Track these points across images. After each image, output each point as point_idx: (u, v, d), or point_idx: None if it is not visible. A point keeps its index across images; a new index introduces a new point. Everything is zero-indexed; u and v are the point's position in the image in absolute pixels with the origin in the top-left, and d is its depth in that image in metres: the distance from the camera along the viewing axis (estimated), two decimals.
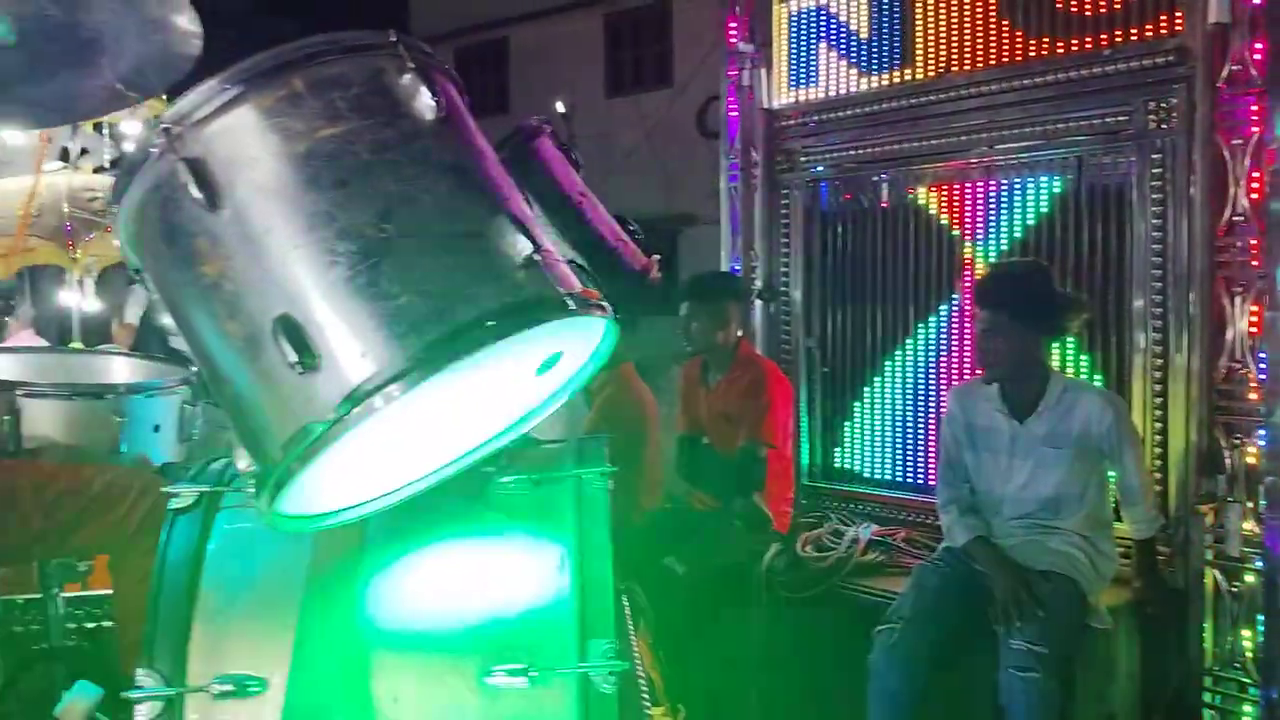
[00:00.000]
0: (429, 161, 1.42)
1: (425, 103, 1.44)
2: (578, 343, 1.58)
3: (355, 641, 1.62)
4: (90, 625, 2.77)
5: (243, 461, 1.47)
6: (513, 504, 1.77)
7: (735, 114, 4.66)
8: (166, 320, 1.52)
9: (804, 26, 4.49)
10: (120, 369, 3.56)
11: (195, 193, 1.33)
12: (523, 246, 1.40)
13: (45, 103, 1.49)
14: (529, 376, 1.60)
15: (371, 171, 1.38)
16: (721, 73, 4.67)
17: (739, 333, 4.03)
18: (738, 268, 4.68)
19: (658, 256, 2.21)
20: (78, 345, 5.20)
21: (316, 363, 1.31)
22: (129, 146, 6.15)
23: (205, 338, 1.41)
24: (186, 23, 1.39)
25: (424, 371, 1.31)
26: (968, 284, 4.04)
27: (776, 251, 4.62)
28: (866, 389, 4.41)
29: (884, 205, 4.39)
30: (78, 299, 5.27)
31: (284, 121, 1.36)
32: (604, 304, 1.49)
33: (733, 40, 4.63)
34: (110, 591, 2.29)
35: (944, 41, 4.14)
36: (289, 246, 1.33)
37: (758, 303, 4.59)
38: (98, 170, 5.54)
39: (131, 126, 5.40)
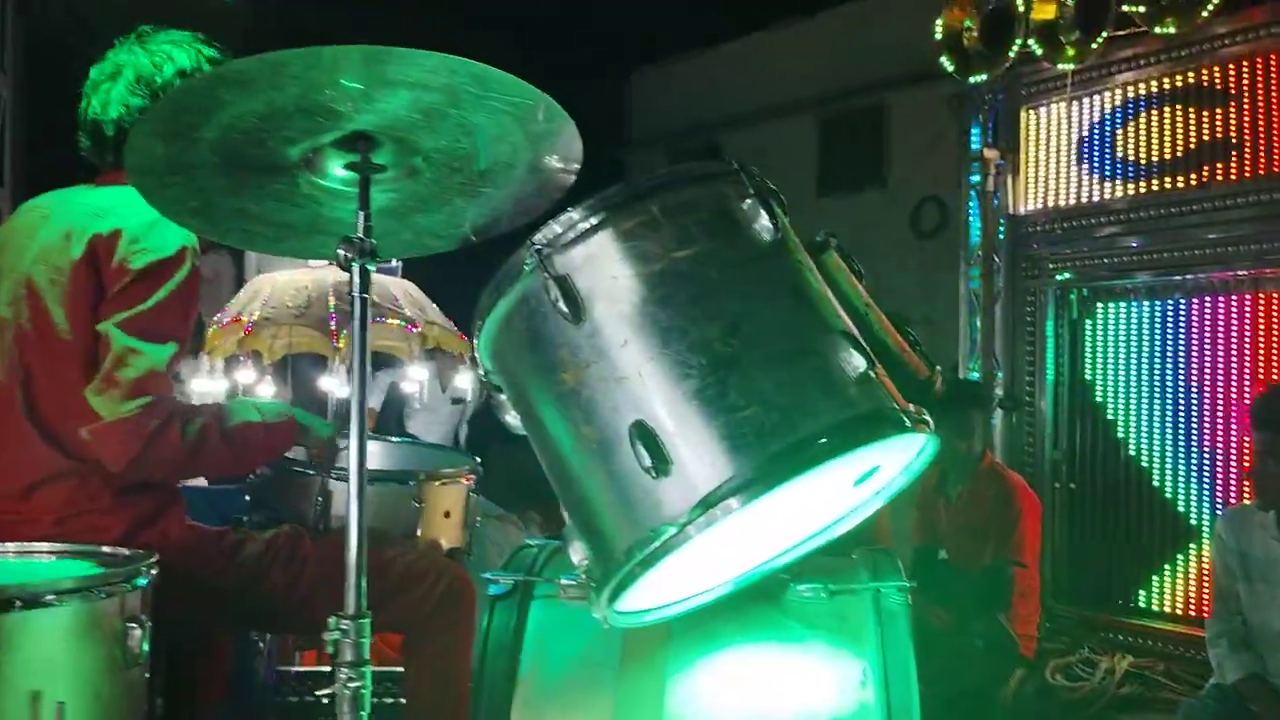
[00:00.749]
0: (769, 280, 1.50)
1: (764, 225, 1.52)
2: (897, 455, 1.60)
3: None
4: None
5: (576, 555, 1.55)
6: (810, 613, 1.79)
7: (977, 219, 4.63)
8: (510, 418, 1.63)
9: (1053, 132, 4.45)
10: (373, 453, 3.79)
11: (563, 307, 1.45)
12: (857, 363, 1.44)
13: (431, 230, 1.65)
14: (846, 486, 1.62)
15: (720, 290, 1.46)
16: (963, 178, 4.67)
17: (982, 443, 3.93)
18: (976, 375, 4.60)
19: (939, 367, 2.21)
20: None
21: (668, 468, 1.39)
22: None
23: (558, 438, 1.51)
24: (566, 160, 1.51)
25: (769, 482, 1.36)
26: (1239, 401, 3.82)
27: (1021, 360, 4.52)
28: (1119, 508, 4.21)
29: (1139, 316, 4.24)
30: (336, 385, 5.69)
31: (641, 244, 1.47)
32: (929, 419, 1.51)
33: (975, 146, 4.63)
34: (400, 669, 2.41)
35: (1206, 149, 4.00)
36: (644, 358, 1.42)
37: (999, 412, 4.48)
38: None
39: None
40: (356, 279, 1.43)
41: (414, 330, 5.54)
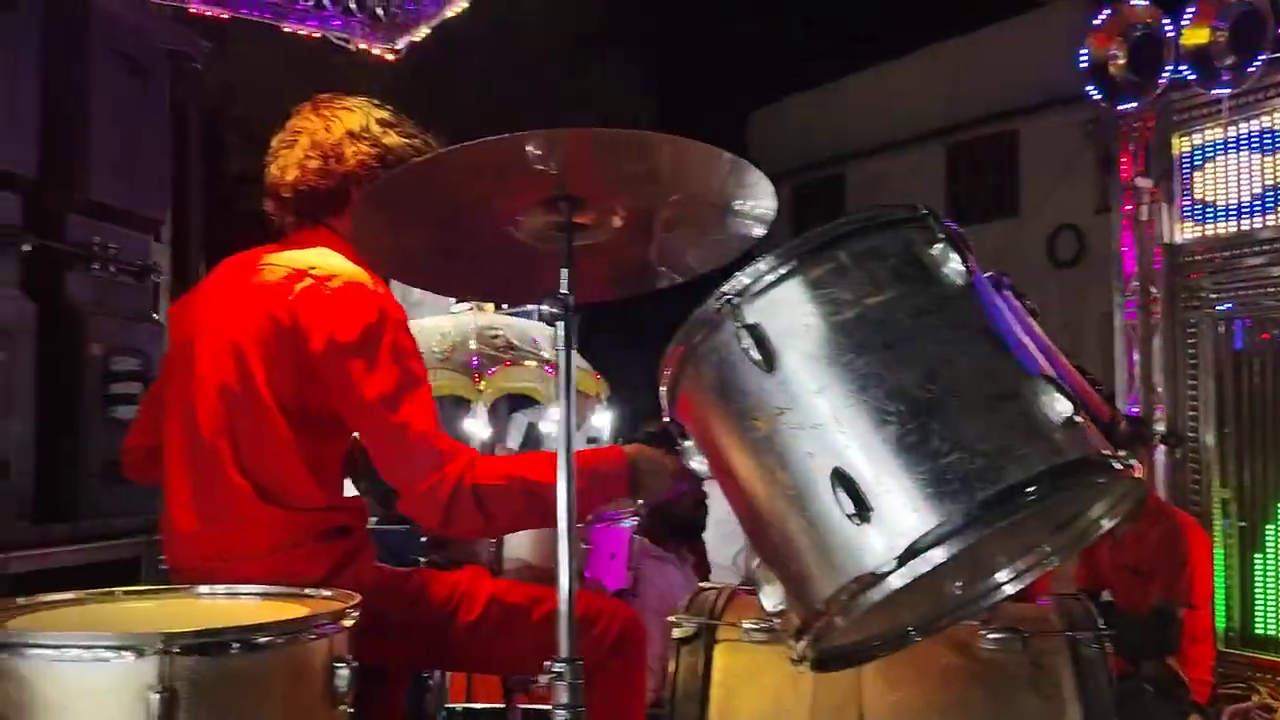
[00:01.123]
0: (964, 325, 1.49)
1: (955, 269, 1.52)
2: (1102, 500, 1.57)
3: None
4: None
5: (770, 601, 1.55)
6: (1004, 661, 1.75)
7: (1131, 250, 4.49)
8: (696, 464, 1.66)
9: (1208, 159, 4.30)
10: None
11: (754, 355, 1.47)
12: (1063, 408, 1.42)
13: (619, 279, 1.70)
14: (1046, 532, 1.60)
15: (914, 335, 1.46)
16: (1114, 206, 4.53)
17: (1147, 481, 3.79)
18: (1135, 409, 4.43)
19: (1120, 408, 2.15)
20: None
21: (869, 515, 1.38)
22: None
23: (750, 485, 1.52)
24: (758, 214, 1.54)
25: (978, 529, 1.35)
26: None
27: (1183, 393, 4.34)
28: None
29: None
30: (478, 427, 5.83)
31: (831, 291, 1.49)
32: (1134, 464, 1.48)
33: (1127, 174, 4.50)
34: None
35: None
36: (842, 405, 1.43)
37: (1160, 448, 4.30)
38: (498, 309, 6.18)
39: None
40: (561, 335, 1.48)
41: (551, 372, 5.65)
